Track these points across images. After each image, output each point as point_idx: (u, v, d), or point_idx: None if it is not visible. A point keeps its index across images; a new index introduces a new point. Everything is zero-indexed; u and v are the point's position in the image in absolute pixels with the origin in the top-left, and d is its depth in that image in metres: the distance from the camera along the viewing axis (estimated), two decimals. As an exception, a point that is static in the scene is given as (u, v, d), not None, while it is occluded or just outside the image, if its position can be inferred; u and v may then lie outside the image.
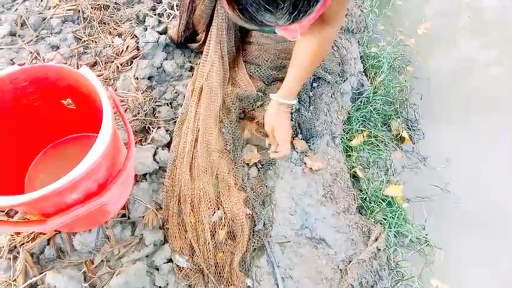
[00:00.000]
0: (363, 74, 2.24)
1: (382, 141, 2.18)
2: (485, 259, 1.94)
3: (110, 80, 1.65)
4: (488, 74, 2.51)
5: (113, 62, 1.69)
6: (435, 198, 2.07)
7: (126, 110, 1.56)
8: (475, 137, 2.27)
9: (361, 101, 2.19)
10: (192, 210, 1.42)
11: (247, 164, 1.57)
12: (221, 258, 1.36)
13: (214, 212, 1.42)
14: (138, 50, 1.71)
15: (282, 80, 1.62)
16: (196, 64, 1.71)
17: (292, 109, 1.63)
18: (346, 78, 1.91)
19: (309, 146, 1.66)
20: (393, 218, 1.88)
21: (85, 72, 1.15)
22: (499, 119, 2.33)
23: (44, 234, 1.33)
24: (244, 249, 1.35)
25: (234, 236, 1.42)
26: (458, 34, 2.68)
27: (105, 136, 1.05)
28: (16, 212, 1.36)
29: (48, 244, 1.33)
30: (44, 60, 1.72)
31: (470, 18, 2.72)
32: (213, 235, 1.38)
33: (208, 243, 1.35)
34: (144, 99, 1.57)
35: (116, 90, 1.62)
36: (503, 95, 2.42)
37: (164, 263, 1.34)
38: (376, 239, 1.63)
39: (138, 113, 1.54)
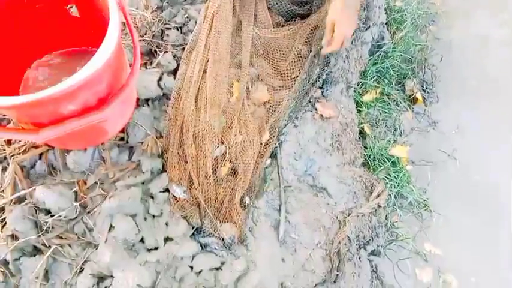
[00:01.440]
0: (385, 26, 2.11)
1: (394, 100, 2.10)
2: (480, 230, 1.92)
3: (118, -5, 1.53)
4: (506, 51, 2.39)
5: (122, -24, 1.56)
6: (440, 164, 2.02)
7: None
8: (489, 110, 2.19)
9: (378, 55, 2.08)
10: (194, 142, 1.35)
11: (255, 104, 1.49)
12: (221, 194, 1.30)
13: (218, 146, 1.35)
14: (150, -34, 1.57)
15: (302, 16, 1.51)
16: (212, -11, 1.59)
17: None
18: (369, 27, 1.79)
19: (322, 92, 1.58)
20: (396, 178, 1.84)
21: (92, -26, 1.04)
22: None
23: (37, 148, 1.27)
24: (246, 187, 1.30)
25: (235, 172, 1.36)
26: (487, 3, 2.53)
27: (109, 45, 0.96)
28: (9, 122, 1.29)
29: (40, 159, 1.27)
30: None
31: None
32: (215, 170, 1.32)
33: (210, 176, 1.29)
34: (153, 19, 1.46)
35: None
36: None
37: (160, 191, 1.29)
38: (378, 195, 1.58)
39: (146, 34, 1.44)
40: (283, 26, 1.54)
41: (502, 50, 2.39)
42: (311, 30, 1.55)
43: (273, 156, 1.45)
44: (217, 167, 1.34)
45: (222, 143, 1.38)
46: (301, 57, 1.52)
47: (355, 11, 1.40)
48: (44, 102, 0.91)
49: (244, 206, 1.32)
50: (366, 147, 1.88)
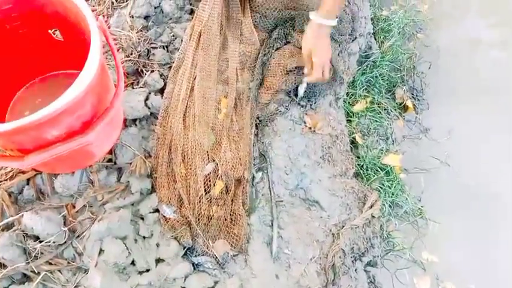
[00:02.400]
0: (372, 36, 2.12)
1: (384, 109, 2.10)
2: (477, 236, 1.91)
3: (103, 16, 1.53)
4: (497, 53, 2.40)
5: (107, -3, 1.57)
6: (433, 171, 2.02)
7: (118, 50, 1.46)
8: (480, 113, 2.19)
9: (367, 65, 2.09)
10: (183, 160, 1.34)
11: (244, 119, 1.49)
12: (215, 212, 1.29)
13: (207, 164, 1.35)
14: (135, -14, 1.58)
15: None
16: (197, 8, 1.59)
17: None
18: (355, 38, 1.80)
19: (311, 104, 1.58)
20: (390, 188, 1.83)
21: (74, -2, 1.04)
22: (506, 98, 2.25)
23: (24, 173, 1.26)
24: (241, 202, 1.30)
25: (228, 190, 1.35)
26: (472, 7, 2.55)
27: (91, 68, 0.96)
28: (-5, 148, 1.27)
29: (28, 184, 1.25)
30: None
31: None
32: (206, 189, 1.31)
33: (202, 195, 1.28)
34: (139, 39, 1.46)
35: (109, 27, 1.50)
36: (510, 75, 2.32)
37: (150, 212, 1.28)
38: (371, 206, 1.57)
39: (131, 54, 1.44)
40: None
41: (492, 52, 2.40)
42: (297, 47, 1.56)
43: (264, 171, 1.44)
44: (208, 185, 1.32)
45: (213, 160, 1.37)
46: (288, 72, 1.52)
47: (328, 39, 1.43)
48: (26, 129, 0.90)
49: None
50: (358, 157, 1.87)
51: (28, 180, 1.25)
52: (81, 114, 1.03)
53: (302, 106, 1.56)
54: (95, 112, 1.07)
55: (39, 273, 1.15)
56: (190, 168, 1.33)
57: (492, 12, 2.52)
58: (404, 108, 2.16)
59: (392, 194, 1.83)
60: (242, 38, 1.56)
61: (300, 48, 1.47)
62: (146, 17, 1.55)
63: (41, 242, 1.17)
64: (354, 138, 1.90)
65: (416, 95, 2.22)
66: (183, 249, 1.26)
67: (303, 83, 1.52)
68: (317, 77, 1.44)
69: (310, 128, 1.54)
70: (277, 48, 1.58)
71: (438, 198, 1.95)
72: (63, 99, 0.92)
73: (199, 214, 1.28)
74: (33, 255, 1.16)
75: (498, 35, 2.45)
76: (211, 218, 1.30)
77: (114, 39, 1.45)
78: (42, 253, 1.17)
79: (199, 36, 1.52)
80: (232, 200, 1.34)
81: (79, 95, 0.93)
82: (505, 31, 2.45)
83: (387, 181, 1.85)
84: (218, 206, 1.32)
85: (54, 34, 1.26)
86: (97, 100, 1.07)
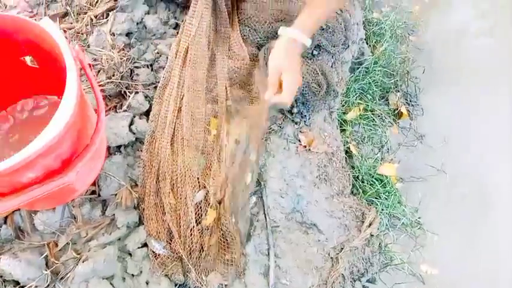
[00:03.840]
0: (364, 41, 2.06)
1: (378, 116, 2.05)
2: (476, 244, 1.88)
3: (82, 34, 1.44)
4: (492, 53, 2.36)
5: (86, 13, 1.47)
6: (430, 179, 1.98)
7: (99, 71, 1.36)
8: (476, 118, 2.16)
9: (360, 72, 2.03)
10: (172, 189, 1.26)
11: (235, 139, 1.41)
12: (208, 242, 1.22)
13: (198, 191, 1.27)
14: (115, 0, 1.48)
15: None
16: (182, 21, 1.50)
17: None
18: (348, 46, 1.73)
19: (305, 121, 1.51)
20: (387, 200, 1.78)
21: (46, 25, 0.95)
22: (503, 102, 2.21)
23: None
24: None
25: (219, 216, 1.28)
26: (462, 5, 2.50)
27: (67, 106, 0.87)
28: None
29: (5, 223, 1.16)
30: (6, 7, 1.48)
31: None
32: (197, 219, 1.23)
33: (193, 227, 1.21)
34: (121, 58, 1.36)
35: (88, 46, 1.41)
36: (506, 76, 2.28)
37: (138, 247, 1.20)
38: (370, 225, 1.52)
39: (113, 75, 1.34)
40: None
41: (486, 51, 2.36)
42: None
43: (258, 195, 1.37)
44: (200, 214, 1.25)
45: (204, 187, 1.29)
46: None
47: (300, 59, 1.24)
48: (-2, 175, 0.82)
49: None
50: (353, 167, 1.82)
51: (5, 218, 1.16)
52: (60, 153, 0.95)
53: (296, 123, 1.49)
54: (75, 149, 0.99)
55: (21, 321, 1.07)
56: (180, 198, 1.25)
57: (484, 8, 2.48)
58: (399, 114, 2.11)
59: (390, 206, 1.79)
60: (230, 53, 1.47)
61: None
62: (128, 34, 1.45)
63: (22, 287, 1.08)
64: (348, 148, 1.85)
65: (411, 101, 2.18)
66: (175, 286, 1.19)
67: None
68: (288, 101, 1.20)
69: (305, 147, 1.47)
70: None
71: (436, 208, 1.92)
72: (38, 143, 0.83)
73: (190, 247, 1.20)
74: (14, 302, 1.08)
75: (489, 29, 2.41)
76: (203, 250, 1.22)
77: (94, 60, 1.36)
78: (23, 299, 1.09)
79: (186, 52, 1.43)
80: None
81: (56, 135, 0.85)
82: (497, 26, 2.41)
83: (384, 193, 1.80)
84: (211, 236, 1.24)
85: (32, 62, 1.17)
86: (77, 136, 0.98)
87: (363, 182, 1.80)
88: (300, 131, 1.49)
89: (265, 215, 1.34)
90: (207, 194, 1.27)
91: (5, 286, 1.08)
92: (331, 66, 1.62)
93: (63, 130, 0.86)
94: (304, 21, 1.20)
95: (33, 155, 0.83)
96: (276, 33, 1.42)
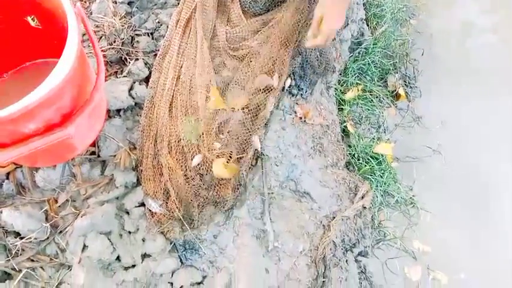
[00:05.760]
0: (364, 22, 2.07)
1: (376, 97, 2.06)
2: (468, 226, 1.90)
3: (85, 2, 1.47)
4: (490, 40, 2.37)
5: (89, -18, 1.50)
6: (426, 160, 2.00)
7: (101, 38, 1.40)
8: (472, 101, 2.18)
9: (359, 52, 2.04)
10: (169, 152, 1.29)
11: (232, 109, 1.44)
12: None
13: (195, 155, 1.30)
14: (118, -30, 1.51)
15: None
16: (184, -8, 1.53)
17: None
18: (347, 24, 1.75)
19: (301, 94, 1.53)
20: (381, 177, 1.81)
21: (50, -16, 0.98)
22: (498, 85, 2.22)
23: (3, 167, 1.20)
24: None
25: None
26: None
27: (68, 59, 0.91)
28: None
29: (8, 179, 1.21)
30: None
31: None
32: (193, 178, 1.27)
33: (192, 178, 1.25)
34: (122, 26, 1.40)
35: (91, 14, 1.44)
36: (502, 64, 2.29)
37: (135, 206, 1.24)
38: (362, 197, 1.55)
39: (114, 41, 1.38)
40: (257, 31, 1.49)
41: (485, 37, 2.37)
42: (290, 27, 1.50)
43: (256, 162, 1.41)
44: (196, 175, 1.29)
45: (199, 152, 1.33)
46: (276, 59, 1.47)
47: (346, 4, 1.32)
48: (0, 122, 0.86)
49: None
50: (349, 146, 1.84)
51: (8, 174, 1.20)
52: (60, 107, 0.98)
53: (293, 95, 1.52)
54: (75, 104, 1.03)
55: (20, 270, 1.12)
56: (177, 160, 1.28)
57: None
58: (397, 96, 2.12)
59: (384, 184, 1.81)
60: (229, 23, 1.50)
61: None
62: (130, 3, 1.48)
63: (21, 238, 1.13)
64: (346, 126, 1.87)
65: (409, 83, 2.19)
66: (170, 244, 1.23)
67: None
68: (320, 43, 1.32)
69: (300, 118, 1.50)
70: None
71: (430, 188, 1.94)
72: (38, 92, 0.87)
73: (187, 205, 1.24)
74: (14, 252, 1.12)
75: (490, 21, 2.42)
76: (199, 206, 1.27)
77: (96, 27, 1.39)
78: (23, 250, 1.14)
79: (187, 23, 1.46)
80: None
81: (55, 87, 0.89)
82: (497, 16, 2.42)
83: (379, 170, 1.82)
84: (207, 189, 1.29)
85: (33, 21, 1.20)
86: (77, 92, 1.02)
87: (358, 159, 1.83)
88: (296, 103, 1.51)
89: (263, 182, 1.37)
90: (204, 157, 1.31)
91: (6, 237, 1.12)
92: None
93: (63, 82, 0.90)
94: None
95: (34, 104, 0.86)
96: (275, 3, 1.45)
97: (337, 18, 1.30)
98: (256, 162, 1.39)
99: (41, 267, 1.14)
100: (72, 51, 0.91)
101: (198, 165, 1.30)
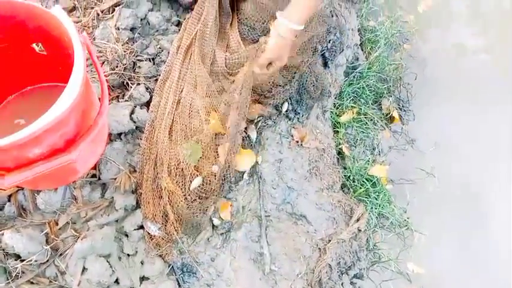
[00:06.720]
0: (359, 47, 2.13)
1: (371, 120, 2.11)
2: (463, 247, 1.93)
3: (88, 28, 1.51)
4: (483, 61, 2.44)
5: (93, 8, 1.54)
6: (419, 182, 2.04)
7: (103, 63, 1.43)
8: (466, 124, 2.23)
9: (354, 76, 2.09)
10: (169, 175, 1.32)
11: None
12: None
13: (195, 178, 1.33)
14: (121, -3, 1.56)
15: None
16: (184, 19, 1.58)
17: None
18: (342, 50, 1.80)
19: (298, 118, 1.57)
20: (376, 199, 1.84)
21: (57, 13, 1.02)
22: (493, 109, 2.28)
23: (4, 190, 1.22)
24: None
25: None
26: (456, 17, 2.58)
27: (74, 86, 0.94)
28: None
29: (9, 201, 1.22)
30: (16, -1, 1.55)
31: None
32: (193, 201, 1.30)
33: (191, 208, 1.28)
34: (125, 51, 1.44)
35: (94, 39, 1.48)
36: (495, 84, 2.35)
37: (134, 229, 1.26)
38: (357, 220, 1.57)
39: (117, 67, 1.41)
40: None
41: (477, 60, 2.43)
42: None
43: (253, 185, 1.43)
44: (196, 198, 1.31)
45: (200, 174, 1.35)
46: (277, 86, 1.51)
47: (291, 43, 1.31)
48: (6, 149, 0.88)
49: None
50: (345, 168, 1.88)
51: (9, 196, 1.22)
52: (65, 132, 1.01)
53: (290, 119, 1.56)
54: (79, 129, 1.05)
55: (20, 293, 1.13)
56: (177, 183, 1.31)
57: (476, 19, 2.56)
58: (391, 119, 2.17)
59: (379, 206, 1.84)
60: (229, 50, 1.54)
61: None
62: (132, 29, 1.52)
63: (22, 261, 1.14)
64: (341, 149, 1.90)
65: (403, 106, 2.24)
66: (168, 266, 1.24)
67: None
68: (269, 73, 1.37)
69: (297, 142, 1.53)
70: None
71: (424, 210, 1.97)
72: (48, 118, 0.90)
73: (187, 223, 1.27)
74: (14, 274, 1.13)
75: (482, 41, 2.49)
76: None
77: (99, 52, 1.43)
78: (23, 272, 1.15)
79: (188, 49, 1.50)
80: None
81: (62, 113, 0.91)
82: (488, 38, 2.49)
83: (373, 192, 1.85)
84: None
85: (37, 46, 1.23)
86: (81, 117, 1.05)
87: (353, 181, 1.86)
88: (293, 127, 1.55)
89: (259, 205, 1.39)
90: (203, 181, 1.33)
91: (6, 259, 1.14)
92: (325, 67, 1.68)
93: (69, 108, 0.93)
94: (298, 7, 1.24)
95: (41, 130, 0.89)
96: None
97: (285, 58, 1.32)
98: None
99: (40, 290, 1.15)
100: (78, 79, 0.94)
101: (197, 187, 1.33)
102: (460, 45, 2.49)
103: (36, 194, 1.23)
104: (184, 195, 1.30)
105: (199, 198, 1.31)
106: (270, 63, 1.34)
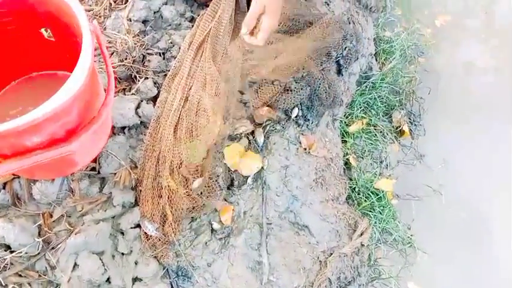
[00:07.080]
0: (373, 57, 2.09)
1: (380, 132, 2.06)
2: (465, 270, 1.87)
3: (99, 17, 1.47)
4: (495, 79, 2.39)
5: (106, -3, 1.51)
6: (425, 199, 1.99)
7: (112, 54, 1.39)
8: (477, 143, 2.17)
9: (366, 86, 2.05)
10: (170, 174, 1.28)
11: (237, 135, 1.43)
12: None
13: (196, 179, 1.29)
14: (135, -12, 1.52)
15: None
16: (199, 15, 1.54)
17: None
18: (357, 58, 1.76)
19: (307, 125, 1.53)
20: (381, 214, 1.79)
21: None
22: (504, 128, 2.23)
23: (0, 176, 1.18)
24: None
25: None
26: (473, 32, 2.53)
27: (80, 74, 0.90)
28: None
29: (4, 188, 1.18)
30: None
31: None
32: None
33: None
34: (135, 44, 1.40)
35: (104, 29, 1.44)
36: (507, 104, 2.30)
37: (131, 227, 1.21)
38: (361, 234, 1.53)
39: (126, 59, 1.37)
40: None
41: (489, 77, 2.38)
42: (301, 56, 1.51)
43: (256, 190, 1.39)
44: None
45: (201, 175, 1.31)
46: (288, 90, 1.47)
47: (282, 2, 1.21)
48: (4, 135, 0.84)
49: None
50: (350, 179, 1.83)
51: (4, 184, 1.18)
52: (66, 122, 0.97)
53: (299, 125, 1.51)
54: (81, 120, 1.01)
55: (6, 285, 1.08)
56: (179, 182, 1.27)
57: (491, 37, 2.51)
58: (401, 132, 2.12)
59: (383, 221, 1.79)
60: (242, 49, 1.50)
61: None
62: (144, 22, 1.49)
63: (12, 252, 1.10)
64: (348, 159, 1.86)
65: (414, 120, 2.19)
66: (163, 269, 1.20)
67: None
68: (260, 44, 1.19)
69: (305, 149, 1.49)
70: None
71: (428, 228, 1.92)
72: (49, 106, 0.86)
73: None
74: (2, 265, 1.09)
75: (495, 60, 2.44)
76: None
77: (109, 42, 1.39)
78: (12, 264, 1.10)
79: (200, 46, 1.46)
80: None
81: (65, 102, 0.87)
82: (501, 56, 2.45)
83: (378, 207, 1.81)
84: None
85: (46, 31, 1.19)
86: (84, 107, 1.01)
87: (358, 194, 1.81)
88: (302, 134, 1.51)
89: (262, 211, 1.35)
90: (204, 181, 1.29)
91: (-4, 249, 1.10)
92: (339, 75, 1.64)
93: (73, 97, 0.89)
94: None
95: (41, 118, 0.85)
96: (289, 33, 1.46)
97: (278, 15, 1.19)
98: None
99: (29, 284, 1.11)
100: (84, 68, 0.90)
101: (198, 188, 1.28)
102: (473, 62, 2.44)
103: (32, 184, 1.19)
104: (184, 195, 1.26)
105: (199, 198, 1.26)
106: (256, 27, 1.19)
